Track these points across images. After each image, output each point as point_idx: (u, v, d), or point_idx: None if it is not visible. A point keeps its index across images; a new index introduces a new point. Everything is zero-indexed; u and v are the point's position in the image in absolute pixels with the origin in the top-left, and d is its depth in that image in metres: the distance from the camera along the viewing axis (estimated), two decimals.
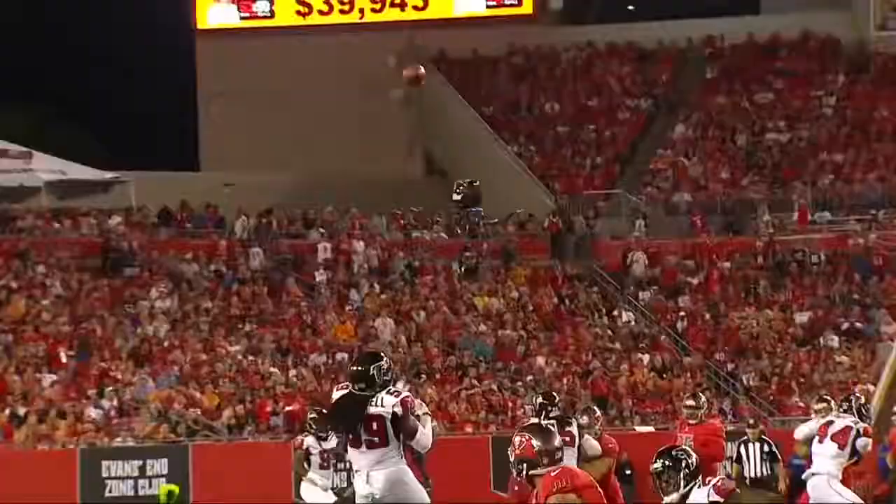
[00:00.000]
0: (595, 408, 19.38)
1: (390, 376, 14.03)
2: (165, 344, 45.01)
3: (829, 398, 20.91)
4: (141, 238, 49.81)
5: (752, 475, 23.37)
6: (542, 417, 17.25)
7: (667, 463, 11.44)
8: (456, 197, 41.65)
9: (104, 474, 38.39)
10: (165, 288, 47.28)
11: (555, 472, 10.81)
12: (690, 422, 19.82)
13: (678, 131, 59.08)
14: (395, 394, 13.98)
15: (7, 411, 40.67)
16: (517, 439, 11.34)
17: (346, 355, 45.27)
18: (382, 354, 14.44)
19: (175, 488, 37.48)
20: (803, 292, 50.09)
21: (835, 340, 47.00)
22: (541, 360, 46.46)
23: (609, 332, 48.61)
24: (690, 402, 17.08)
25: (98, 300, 46.41)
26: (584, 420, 18.06)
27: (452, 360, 46.04)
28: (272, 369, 44.48)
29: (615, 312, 49.60)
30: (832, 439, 18.53)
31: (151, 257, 48.91)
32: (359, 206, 52.82)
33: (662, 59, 63.07)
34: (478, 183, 45.89)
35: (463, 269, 49.99)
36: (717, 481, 11.44)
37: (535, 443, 11.03)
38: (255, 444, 38.92)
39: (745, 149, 57.84)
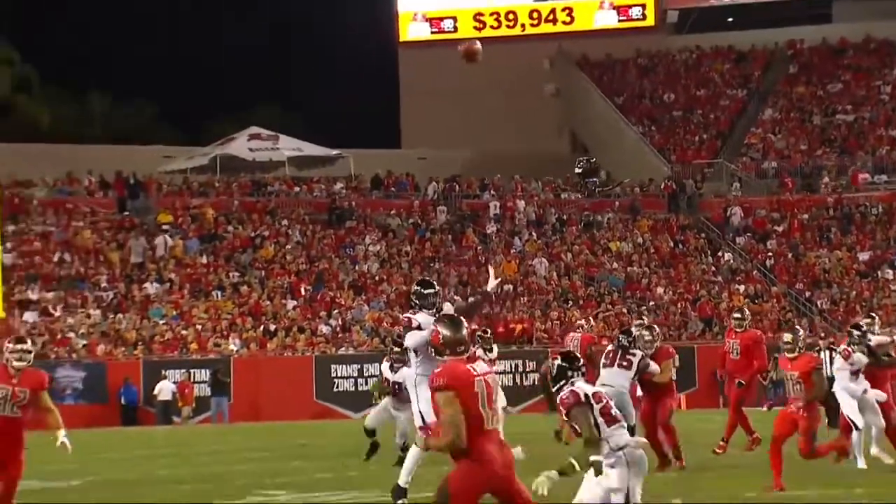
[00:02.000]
0: (655, 326, 18.85)
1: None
2: (376, 278, 45.66)
3: (874, 315, 20.40)
4: (357, 199, 50.47)
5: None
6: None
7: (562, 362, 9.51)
8: (577, 170, 41.91)
9: (332, 375, 39.21)
10: (376, 236, 47.91)
11: (438, 370, 8.34)
12: (737, 329, 19.06)
13: (767, 114, 58.44)
14: None
15: (261, 328, 41.60)
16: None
17: (511, 287, 45.57)
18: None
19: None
20: (865, 236, 49.48)
21: (890, 273, 46.58)
22: (660, 290, 46.38)
23: (713, 268, 48.39)
24: (788, 337, 15.75)
25: (326, 245, 47.17)
26: (647, 335, 17.73)
27: (592, 289, 46.14)
28: (456, 297, 44.87)
29: (718, 253, 49.34)
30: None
31: (365, 213, 49.50)
32: (520, 174, 53.02)
33: (755, 59, 62.35)
34: (594, 159, 45.91)
35: (583, 224, 50.13)
36: (564, 393, 9.22)
37: (442, 331, 8.43)
38: None
39: (820, 126, 57.05)
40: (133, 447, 26.81)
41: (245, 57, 78.19)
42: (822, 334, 27.30)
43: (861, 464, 16.72)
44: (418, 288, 13.62)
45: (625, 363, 17.09)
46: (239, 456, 22.57)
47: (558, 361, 9.27)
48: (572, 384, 9.09)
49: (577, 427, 8.90)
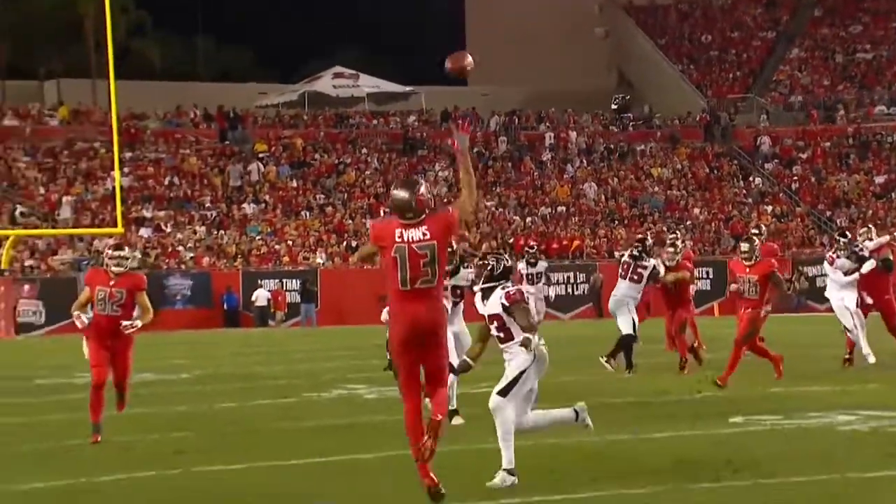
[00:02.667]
0: (678, 242, 18.31)
1: None
2: (444, 200, 45.67)
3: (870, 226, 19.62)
4: (428, 130, 50.40)
5: None
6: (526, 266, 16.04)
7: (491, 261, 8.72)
8: (614, 106, 41.58)
9: None
10: (444, 163, 47.87)
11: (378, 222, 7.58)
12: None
13: (793, 53, 57.54)
14: None
15: (344, 244, 41.86)
16: None
17: (564, 208, 45.46)
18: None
19: None
20: (881, 162, 48.93)
21: None
22: (696, 211, 46.11)
23: (744, 191, 48.03)
24: (745, 247, 15.03)
25: (401, 171, 47.23)
26: (671, 249, 17.45)
27: (635, 210, 45.95)
28: (514, 217, 44.90)
29: (749, 178, 48.92)
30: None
31: (435, 143, 49.45)
32: (573, 108, 52.64)
33: (783, 4, 61.21)
34: (628, 97, 45.40)
35: (617, 153, 49.81)
36: (511, 289, 8.45)
37: (395, 193, 7.66)
38: None
39: (841, 64, 56.12)
40: (234, 346, 27.20)
41: (330, 4, 77.98)
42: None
43: (871, 359, 16.61)
44: None
45: (635, 276, 16.91)
46: (325, 355, 22.86)
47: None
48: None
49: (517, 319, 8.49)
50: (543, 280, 24.28)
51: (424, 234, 7.40)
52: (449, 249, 8.55)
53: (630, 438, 10.46)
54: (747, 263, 14.77)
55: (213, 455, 10.21)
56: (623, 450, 9.84)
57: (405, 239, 7.38)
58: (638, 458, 9.45)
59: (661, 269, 17.02)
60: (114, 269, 11.19)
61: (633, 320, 16.67)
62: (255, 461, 9.79)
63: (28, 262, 38.89)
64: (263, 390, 15.70)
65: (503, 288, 8.45)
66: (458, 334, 12.18)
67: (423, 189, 7.65)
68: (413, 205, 7.51)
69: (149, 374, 18.71)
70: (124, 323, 11.07)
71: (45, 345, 30.42)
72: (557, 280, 37.07)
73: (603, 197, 46.86)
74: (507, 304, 8.31)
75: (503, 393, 8.26)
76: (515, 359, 8.35)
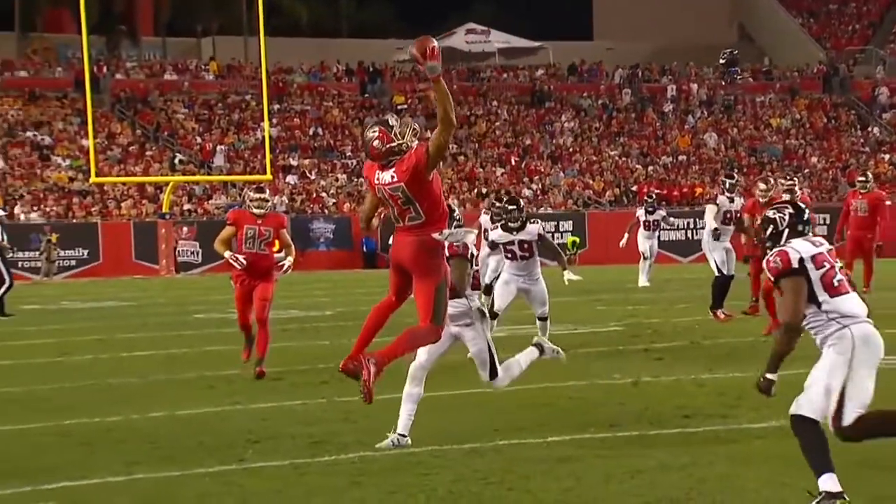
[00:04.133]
0: (771, 180, 17.59)
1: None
2: (570, 150, 45.46)
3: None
4: (555, 83, 50.05)
5: None
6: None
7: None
8: (721, 60, 40.59)
9: None
10: (570, 115, 47.58)
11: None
12: (862, 191, 17.79)
13: None
14: None
15: (475, 191, 41.94)
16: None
17: (684, 157, 44.86)
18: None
19: (577, 239, 38.21)
20: None
21: None
22: (814, 160, 45.08)
23: (861, 140, 46.75)
24: (763, 186, 14.67)
25: (529, 122, 47.10)
26: (763, 186, 16.35)
27: (754, 159, 45.10)
28: (637, 166, 44.47)
29: (867, 128, 47.62)
30: None
31: (562, 95, 49.12)
32: (694, 61, 51.71)
33: None
34: (736, 52, 44.18)
35: (724, 105, 48.77)
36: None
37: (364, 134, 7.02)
38: (628, 213, 39.24)
39: None
40: (373, 286, 27.54)
41: None
42: None
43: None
44: (504, 204, 12.45)
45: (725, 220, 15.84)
46: None
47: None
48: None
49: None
50: (662, 226, 24.20)
51: (392, 177, 6.92)
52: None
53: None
54: (763, 201, 14.40)
55: (354, 386, 10.44)
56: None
57: (380, 181, 6.99)
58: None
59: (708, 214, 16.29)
60: (255, 210, 11.30)
61: (724, 260, 15.88)
62: (392, 392, 10.02)
63: (186, 207, 39.87)
64: (400, 327, 15.91)
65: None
66: (530, 290, 12.18)
67: (395, 128, 6.97)
68: (371, 150, 6.93)
69: (295, 310, 19.15)
70: (285, 264, 11.31)
71: (202, 282, 31.24)
72: (677, 226, 36.68)
73: (722, 146, 46.10)
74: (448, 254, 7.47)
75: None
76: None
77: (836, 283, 5.60)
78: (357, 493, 6.28)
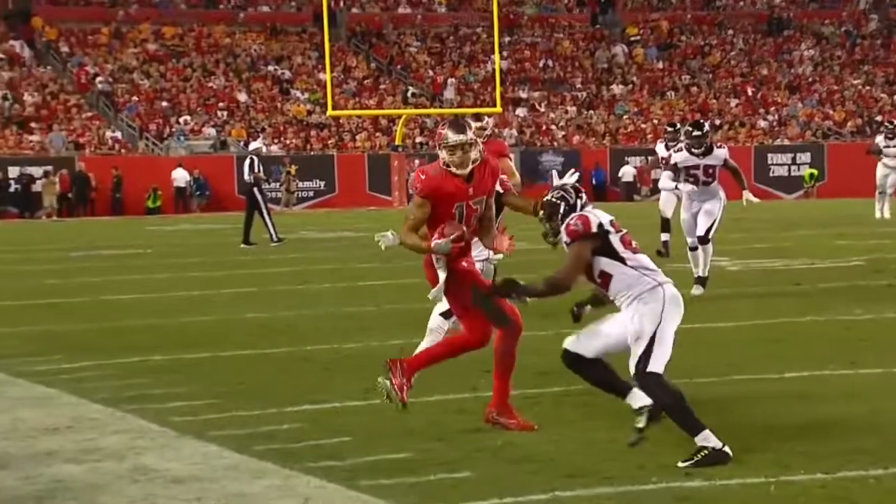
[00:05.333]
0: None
1: None
2: (810, 79, 43.82)
3: None
4: (795, 10, 48.24)
5: None
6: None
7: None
8: None
9: (768, 162, 38.29)
10: (810, 43, 45.82)
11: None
12: None
13: None
14: None
15: (707, 123, 41.05)
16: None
17: None
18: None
19: (815, 171, 36.96)
20: None
21: None
22: None
23: None
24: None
25: (766, 51, 45.62)
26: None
27: None
28: (882, 95, 42.50)
29: None
30: None
31: (801, 23, 47.33)
32: None
33: None
34: None
35: None
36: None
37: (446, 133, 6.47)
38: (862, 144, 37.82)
39: None
40: None
41: None
42: None
43: None
44: (689, 129, 11.99)
45: None
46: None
47: None
48: None
49: None
50: None
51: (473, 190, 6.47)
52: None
53: None
54: None
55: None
56: None
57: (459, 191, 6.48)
58: None
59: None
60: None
61: None
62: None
63: (418, 139, 40.50)
64: None
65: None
66: (703, 205, 11.80)
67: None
68: (466, 159, 6.43)
69: (524, 243, 19.22)
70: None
71: None
72: None
73: None
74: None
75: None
76: None
77: (633, 244, 5.91)
78: (588, 424, 6.29)
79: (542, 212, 6.05)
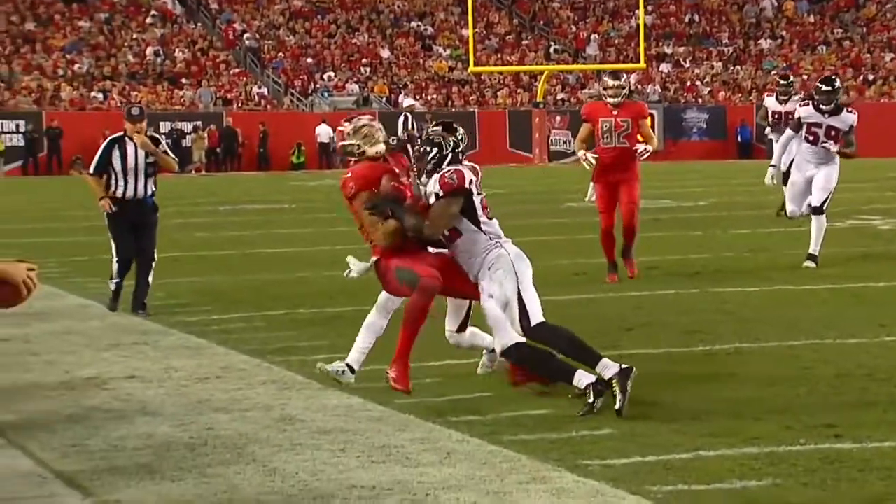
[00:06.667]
0: None
1: None
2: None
3: None
4: None
5: None
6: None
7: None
8: None
9: None
10: None
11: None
12: None
13: None
14: None
15: (860, 78, 39.74)
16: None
17: None
18: None
19: None
20: None
21: None
22: None
23: None
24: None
25: None
26: None
27: None
28: None
29: None
30: None
31: None
32: None
33: None
34: None
35: None
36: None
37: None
38: None
39: None
40: (747, 177, 26.86)
41: None
42: None
43: None
44: (820, 85, 11.07)
45: None
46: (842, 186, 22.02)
47: None
48: None
49: None
50: None
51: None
52: None
53: None
54: None
55: (727, 277, 10.32)
56: None
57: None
58: None
59: None
60: (610, 100, 10.17)
61: None
62: (768, 285, 9.80)
63: (560, 96, 40.24)
64: (775, 220, 15.46)
65: None
66: (817, 173, 10.94)
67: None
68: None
69: (667, 200, 19.05)
70: (638, 148, 10.11)
71: (574, 171, 31.53)
72: None
73: None
74: None
75: None
76: None
77: (487, 208, 6.01)
78: (734, 384, 6.20)
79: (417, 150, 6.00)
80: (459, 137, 6.11)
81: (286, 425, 5.56)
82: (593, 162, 10.20)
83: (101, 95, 37.95)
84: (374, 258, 6.16)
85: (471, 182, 5.86)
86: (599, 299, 9.31)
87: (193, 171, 35.79)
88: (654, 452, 4.91)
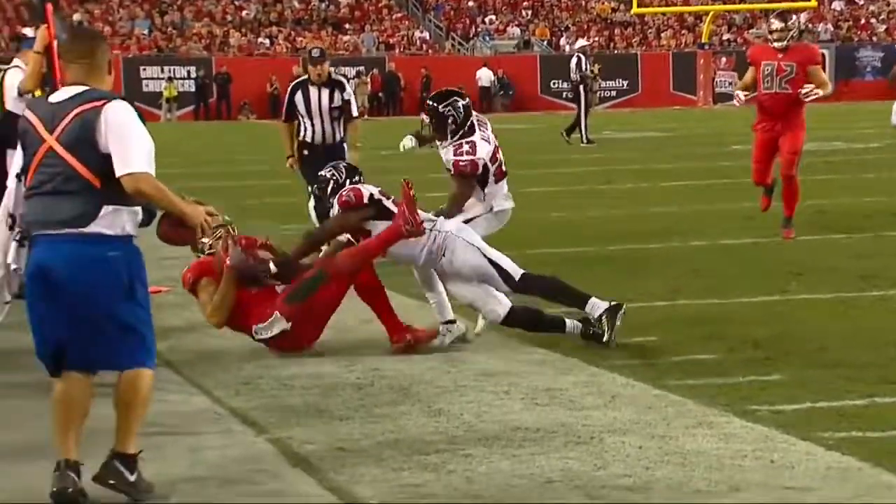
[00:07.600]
0: None
1: None
2: None
3: None
4: None
5: None
6: None
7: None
8: None
9: None
10: None
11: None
12: None
13: None
14: None
15: None
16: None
17: None
18: None
19: None
20: None
21: None
22: None
23: None
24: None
25: None
26: None
27: None
28: None
29: None
30: None
31: None
32: None
33: None
34: None
35: None
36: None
37: None
38: None
39: None
40: None
41: None
42: None
43: None
44: None
45: None
46: None
47: None
48: None
49: None
50: None
51: None
52: None
53: None
54: None
55: None
56: None
57: None
58: None
59: None
60: (775, 44, 9.36)
61: None
62: None
63: (726, 36, 39.29)
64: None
65: None
66: None
67: None
68: None
69: (839, 142, 18.57)
70: (804, 89, 9.17)
71: (740, 113, 30.75)
72: None
73: None
74: None
75: None
76: None
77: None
78: None
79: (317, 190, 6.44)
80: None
81: (450, 367, 5.62)
82: (743, 99, 9.60)
83: (267, 41, 38.65)
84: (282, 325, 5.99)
85: (371, 196, 6.16)
86: (767, 244, 9.12)
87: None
88: (825, 399, 4.80)
